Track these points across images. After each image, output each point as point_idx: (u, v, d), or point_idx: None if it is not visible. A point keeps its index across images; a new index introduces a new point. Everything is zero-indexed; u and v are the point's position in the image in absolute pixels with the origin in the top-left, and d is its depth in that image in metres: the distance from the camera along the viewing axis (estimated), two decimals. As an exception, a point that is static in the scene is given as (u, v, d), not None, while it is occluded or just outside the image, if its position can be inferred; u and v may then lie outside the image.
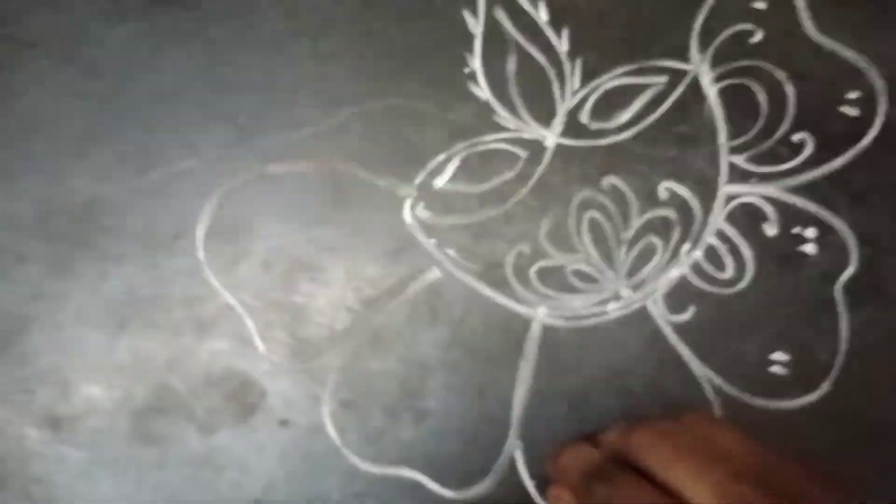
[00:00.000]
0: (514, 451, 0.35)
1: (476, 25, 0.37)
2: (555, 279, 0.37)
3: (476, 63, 0.37)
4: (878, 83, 0.39)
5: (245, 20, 0.37)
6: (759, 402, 0.37)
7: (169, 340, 0.35)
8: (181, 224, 0.35)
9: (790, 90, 0.38)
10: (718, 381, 0.37)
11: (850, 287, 0.37)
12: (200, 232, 0.35)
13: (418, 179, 0.36)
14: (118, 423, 0.34)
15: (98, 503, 0.34)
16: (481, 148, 0.37)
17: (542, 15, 0.38)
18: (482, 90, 0.37)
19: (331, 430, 0.35)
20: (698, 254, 0.37)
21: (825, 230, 0.38)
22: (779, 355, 0.37)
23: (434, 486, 0.35)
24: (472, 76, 0.37)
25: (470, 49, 0.37)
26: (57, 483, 0.34)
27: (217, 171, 0.36)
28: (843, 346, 0.37)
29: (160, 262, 0.35)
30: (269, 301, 0.35)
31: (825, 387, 0.37)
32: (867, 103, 0.39)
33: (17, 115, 0.35)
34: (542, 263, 0.37)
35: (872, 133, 0.38)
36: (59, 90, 0.36)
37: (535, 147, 0.37)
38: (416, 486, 0.35)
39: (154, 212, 0.35)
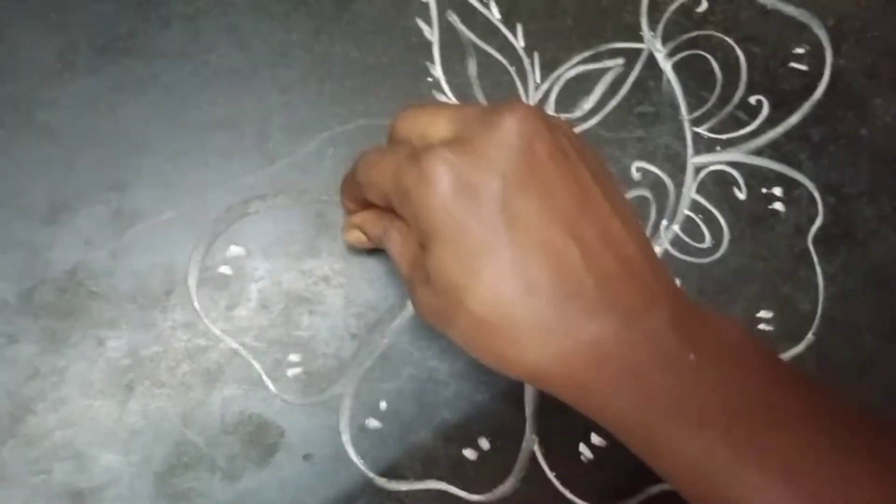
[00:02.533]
0: (533, 446, 0.36)
1: (431, 33, 0.37)
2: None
3: (438, 71, 0.37)
4: (822, 35, 0.40)
5: (199, 59, 0.36)
6: (752, 358, 0.39)
7: (179, 396, 0.34)
8: (171, 278, 0.35)
9: (741, 54, 0.39)
10: (711, 344, 0.39)
11: (820, 237, 0.39)
12: (192, 282, 0.35)
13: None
14: (142, 487, 0.34)
15: (132, 565, 0.34)
16: (456, 156, 0.37)
17: (494, 13, 0.38)
18: (448, 97, 0.37)
19: (353, 457, 0.35)
20: (676, 228, 0.38)
21: (791, 186, 0.39)
22: (764, 313, 0.38)
23: (461, 493, 0.36)
24: (436, 84, 0.37)
25: (430, 58, 0.37)
26: (87, 553, 0.34)
27: (198, 218, 0.35)
28: (822, 294, 0.39)
29: (156, 320, 0.35)
30: (273, 340, 0.35)
31: (810, 336, 0.39)
32: (814, 57, 0.40)
33: (-20, 193, 0.34)
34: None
35: (823, 84, 0.40)
36: (20, 160, 0.34)
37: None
38: (445, 496, 0.36)
39: (141, 270, 0.35)
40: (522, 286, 0.26)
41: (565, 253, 0.26)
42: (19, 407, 0.34)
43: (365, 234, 0.33)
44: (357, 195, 0.32)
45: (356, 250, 0.36)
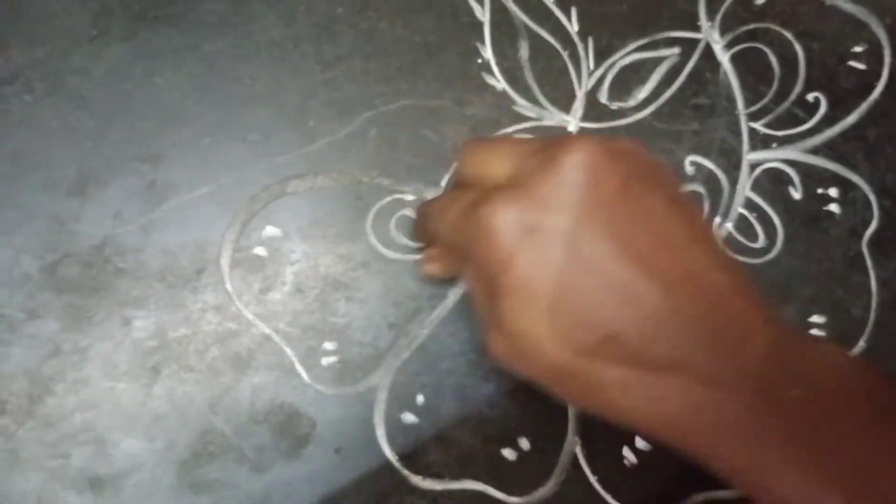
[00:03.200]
0: (575, 448, 0.34)
1: (483, 13, 0.36)
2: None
3: (488, 52, 0.36)
4: (881, 34, 0.39)
5: (241, 30, 0.34)
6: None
7: (207, 381, 0.33)
8: (203, 257, 0.33)
9: (799, 50, 0.38)
10: (760, 349, 0.37)
11: (875, 241, 0.38)
12: (225, 263, 0.33)
13: (444, 181, 0.35)
14: (164, 476, 0.32)
15: (149, 559, 0.33)
16: (504, 141, 0.36)
17: (548, -5, 0.36)
18: (498, 80, 0.36)
19: (387, 452, 0.33)
20: (730, 226, 0.37)
21: (847, 187, 0.38)
22: (817, 318, 0.37)
23: (499, 495, 0.34)
24: (486, 66, 0.36)
25: (480, 38, 0.36)
26: (103, 545, 0.32)
27: (233, 196, 0.33)
28: (875, 300, 0.37)
29: (186, 300, 0.33)
30: (307, 326, 0.33)
31: (862, 343, 0.37)
32: (873, 56, 0.39)
33: (5, 161, 0.32)
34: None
35: (881, 85, 0.39)
36: (48, 128, 0.33)
37: (559, 134, 0.36)
38: (482, 497, 0.34)
39: (172, 247, 0.33)
40: (602, 335, 0.24)
41: (647, 295, 0.24)
42: (38, 386, 0.32)
43: (442, 265, 0.32)
44: (421, 232, 0.32)
45: (439, 282, 0.34)
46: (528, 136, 0.27)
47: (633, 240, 0.24)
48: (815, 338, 0.28)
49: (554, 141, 0.25)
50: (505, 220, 0.24)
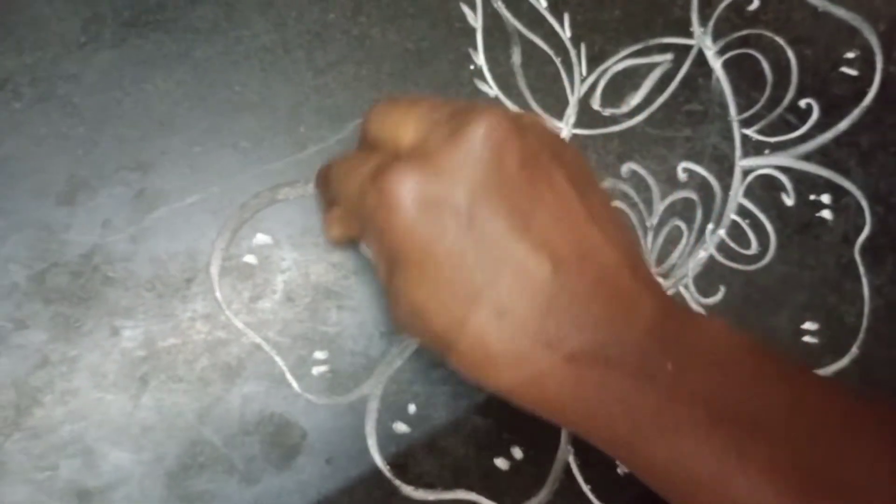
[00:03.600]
0: (568, 457, 0.34)
1: (475, 19, 0.36)
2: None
3: (480, 58, 0.36)
4: (873, 40, 0.39)
5: (232, 36, 0.34)
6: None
7: (196, 391, 0.32)
8: (192, 265, 0.33)
9: (792, 56, 0.38)
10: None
11: (868, 247, 0.38)
12: (215, 271, 0.33)
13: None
14: (153, 488, 0.32)
15: (139, 571, 0.32)
16: (496, 148, 0.35)
17: (541, 1, 0.36)
18: (490, 86, 0.35)
19: (379, 462, 0.33)
20: (722, 232, 0.37)
21: (839, 194, 0.38)
22: (809, 325, 0.37)
23: (492, 504, 0.34)
24: (479, 73, 0.35)
25: (473, 44, 0.36)
26: (91, 557, 0.32)
27: (223, 204, 0.33)
28: (868, 307, 0.37)
29: (175, 310, 0.32)
30: (298, 335, 0.33)
31: (854, 350, 0.37)
32: (865, 62, 0.39)
33: (-7, 167, 0.32)
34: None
35: (873, 91, 0.39)
36: (37, 135, 0.32)
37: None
38: (475, 507, 0.34)
39: (161, 256, 0.33)
40: (492, 310, 0.25)
41: (537, 271, 0.24)
42: (25, 398, 0.31)
43: (343, 228, 0.32)
44: (324, 195, 0.31)
45: (343, 244, 0.34)
46: (440, 99, 0.27)
47: (528, 216, 0.25)
48: (699, 314, 0.29)
49: (461, 111, 0.26)
50: (406, 190, 0.24)
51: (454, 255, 0.25)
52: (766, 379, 0.26)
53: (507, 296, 0.25)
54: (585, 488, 0.34)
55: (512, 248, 0.24)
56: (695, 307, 0.36)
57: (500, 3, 0.36)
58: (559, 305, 0.25)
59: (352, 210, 0.28)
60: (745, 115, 0.37)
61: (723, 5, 0.38)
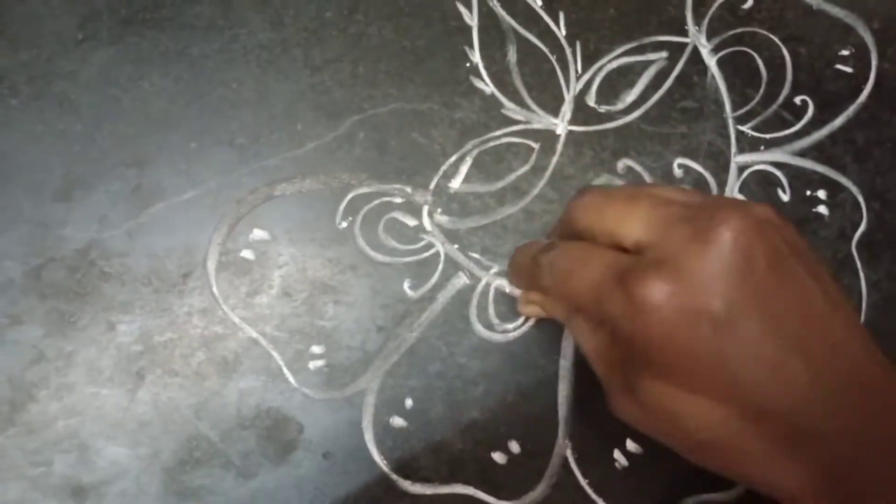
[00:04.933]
0: (565, 451, 0.34)
1: (471, 17, 0.36)
2: (580, 270, 0.36)
3: (476, 56, 0.36)
4: (868, 37, 0.39)
5: (229, 34, 0.34)
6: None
7: (193, 386, 0.32)
8: (189, 261, 0.33)
9: (786, 53, 0.38)
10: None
11: (865, 243, 0.38)
12: (212, 266, 0.33)
13: (433, 184, 0.35)
14: (149, 483, 0.32)
15: (134, 569, 0.32)
16: (492, 144, 0.35)
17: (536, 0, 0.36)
18: (486, 84, 0.36)
19: (376, 456, 0.33)
20: (719, 228, 0.37)
21: (835, 190, 0.38)
22: (807, 320, 0.37)
23: (490, 499, 0.33)
24: (475, 70, 0.36)
25: (469, 42, 0.36)
26: (86, 554, 0.32)
27: (220, 200, 0.33)
28: (865, 301, 0.37)
29: (172, 305, 0.32)
30: (295, 330, 0.33)
31: (853, 345, 0.37)
32: (860, 59, 0.39)
33: (-10, 163, 0.32)
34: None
35: (868, 88, 0.39)
36: (34, 132, 0.33)
37: (547, 137, 0.36)
38: (472, 501, 0.33)
39: (158, 251, 0.33)
40: (752, 410, 0.25)
41: (793, 371, 0.25)
42: (21, 393, 0.31)
43: (544, 310, 0.32)
44: (532, 283, 0.31)
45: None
46: (651, 185, 0.27)
47: (780, 319, 0.25)
48: None
49: (698, 209, 0.26)
50: (662, 300, 0.25)
51: (712, 358, 0.25)
52: None
53: (767, 396, 0.25)
54: (583, 482, 0.34)
55: (769, 350, 0.25)
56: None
57: (495, 2, 0.36)
58: (814, 402, 0.25)
59: (578, 305, 0.28)
60: (741, 111, 0.37)
61: (717, 4, 0.38)
